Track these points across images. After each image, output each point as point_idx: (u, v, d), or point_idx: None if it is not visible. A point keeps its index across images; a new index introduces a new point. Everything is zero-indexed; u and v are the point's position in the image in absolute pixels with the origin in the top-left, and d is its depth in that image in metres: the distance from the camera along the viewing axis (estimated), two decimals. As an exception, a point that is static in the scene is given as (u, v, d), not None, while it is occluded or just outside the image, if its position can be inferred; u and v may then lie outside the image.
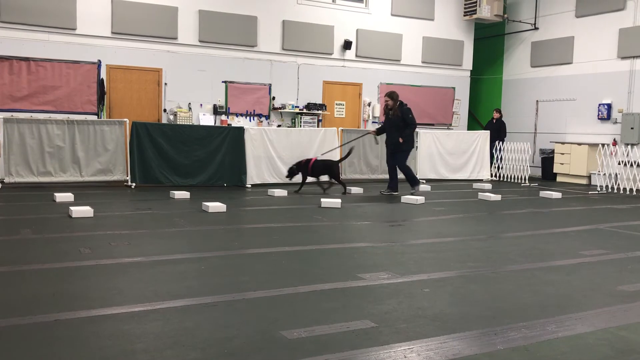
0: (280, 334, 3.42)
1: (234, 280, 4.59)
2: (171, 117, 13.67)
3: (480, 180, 14.00)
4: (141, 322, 3.56)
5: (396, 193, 10.49)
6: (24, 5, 12.10)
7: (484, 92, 18.55)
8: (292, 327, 3.54)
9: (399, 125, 10.40)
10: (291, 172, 10.89)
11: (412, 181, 10.71)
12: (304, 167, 10.77)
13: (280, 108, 14.78)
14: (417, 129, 11.81)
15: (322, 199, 9.06)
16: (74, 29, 12.62)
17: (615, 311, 4.06)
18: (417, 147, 13.24)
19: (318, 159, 10.93)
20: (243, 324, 3.59)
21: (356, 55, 15.73)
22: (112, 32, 12.97)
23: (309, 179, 10.95)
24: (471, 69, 17.54)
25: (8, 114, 11.25)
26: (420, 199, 9.59)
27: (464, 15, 16.86)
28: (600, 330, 3.65)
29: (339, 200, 9.03)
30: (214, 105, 14.13)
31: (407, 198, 9.76)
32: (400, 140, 10.37)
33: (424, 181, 13.14)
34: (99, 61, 12.90)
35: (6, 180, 10.17)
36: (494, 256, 5.76)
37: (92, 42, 12.82)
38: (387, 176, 10.79)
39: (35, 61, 12.30)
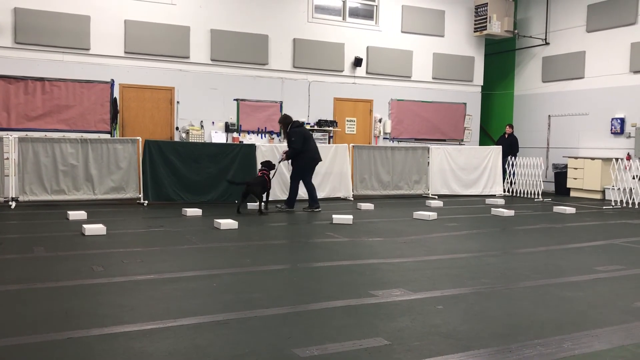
0: (292, 351, 3.40)
1: (246, 297, 4.58)
2: (183, 135, 13.77)
3: (493, 196, 13.92)
4: (153, 340, 3.55)
5: (318, 209, 10.45)
6: (38, 27, 12.30)
7: (495, 108, 18.52)
8: (304, 344, 3.51)
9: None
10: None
11: (292, 201, 10.62)
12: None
13: (291, 125, 14.82)
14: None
15: (334, 216, 9.05)
16: (88, 49, 12.80)
17: (632, 328, 3.99)
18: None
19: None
20: (255, 341, 3.57)
21: (367, 72, 15.79)
22: (125, 52, 13.14)
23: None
24: (482, 84, 17.53)
25: (23, 133, 11.40)
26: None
27: (474, 32, 16.90)
28: (617, 348, 3.59)
29: (351, 217, 9.01)
30: (226, 123, 14.22)
31: (419, 214, 9.72)
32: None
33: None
34: (112, 80, 13.05)
35: (20, 198, 10.26)
36: (508, 272, 5.71)
37: (106, 62, 12.99)
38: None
39: (49, 81, 12.46)
